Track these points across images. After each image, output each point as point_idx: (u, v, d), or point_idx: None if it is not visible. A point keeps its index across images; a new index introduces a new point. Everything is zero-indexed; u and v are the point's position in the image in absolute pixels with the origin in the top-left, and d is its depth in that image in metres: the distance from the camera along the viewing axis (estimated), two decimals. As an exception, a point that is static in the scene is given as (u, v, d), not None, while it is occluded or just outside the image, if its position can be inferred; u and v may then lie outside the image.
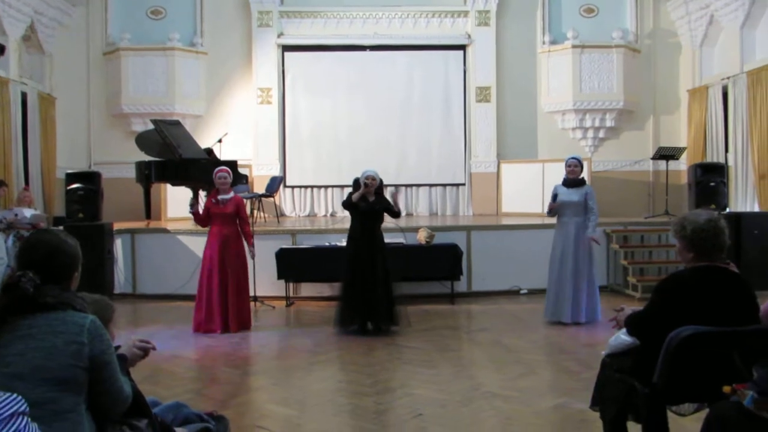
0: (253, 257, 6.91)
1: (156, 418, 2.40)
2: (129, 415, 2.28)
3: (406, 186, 11.76)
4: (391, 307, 6.45)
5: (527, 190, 10.85)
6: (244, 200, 7.06)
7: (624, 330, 3.10)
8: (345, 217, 7.02)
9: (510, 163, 11.35)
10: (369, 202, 6.38)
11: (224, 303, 6.60)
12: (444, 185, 11.78)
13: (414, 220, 10.96)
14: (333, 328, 6.53)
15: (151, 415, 2.37)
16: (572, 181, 6.78)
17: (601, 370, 3.28)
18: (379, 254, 6.37)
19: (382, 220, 6.46)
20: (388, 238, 7.98)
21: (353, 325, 6.44)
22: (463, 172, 11.71)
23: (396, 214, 6.48)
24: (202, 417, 2.68)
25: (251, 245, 6.81)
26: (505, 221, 10.03)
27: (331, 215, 11.46)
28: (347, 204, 6.44)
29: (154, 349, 2.56)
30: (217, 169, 6.79)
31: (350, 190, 6.58)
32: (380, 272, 6.34)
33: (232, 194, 6.78)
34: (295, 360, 5.64)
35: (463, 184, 11.72)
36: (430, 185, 11.77)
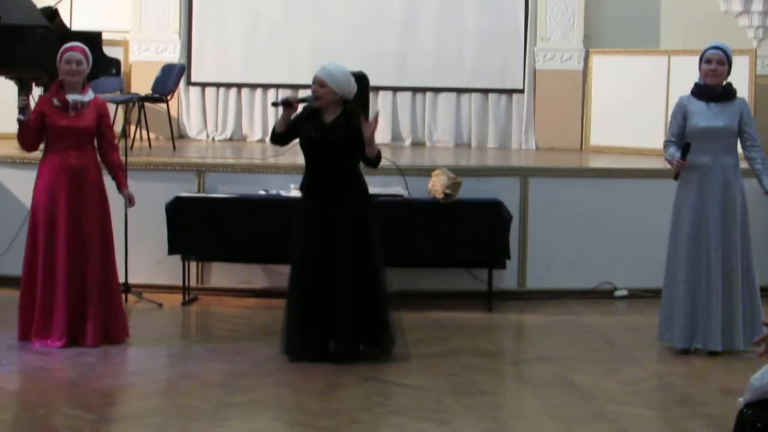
0: (130, 204, 6.94)
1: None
2: None
3: (415, 90, 11.74)
4: (376, 317, 6.51)
5: (638, 105, 10.84)
6: (112, 105, 7.06)
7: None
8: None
9: (608, 55, 11.36)
10: (322, 123, 6.40)
11: (73, 294, 6.64)
12: (485, 92, 11.80)
13: (426, 154, 10.96)
14: (279, 349, 6.54)
15: None
16: (714, 91, 6.76)
17: (737, 428, 3.35)
18: (348, 221, 6.41)
19: (351, 157, 6.45)
20: (376, 187, 8.02)
21: (306, 347, 6.48)
22: (520, 68, 11.71)
23: (371, 159, 6.45)
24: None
25: (124, 187, 6.83)
26: (596, 162, 10.03)
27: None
28: (273, 136, 6.55)
29: None
30: (64, 47, 6.77)
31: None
32: (350, 253, 6.39)
33: (90, 95, 6.76)
34: (195, 400, 5.64)
35: (521, 92, 11.74)
36: (459, 91, 11.79)
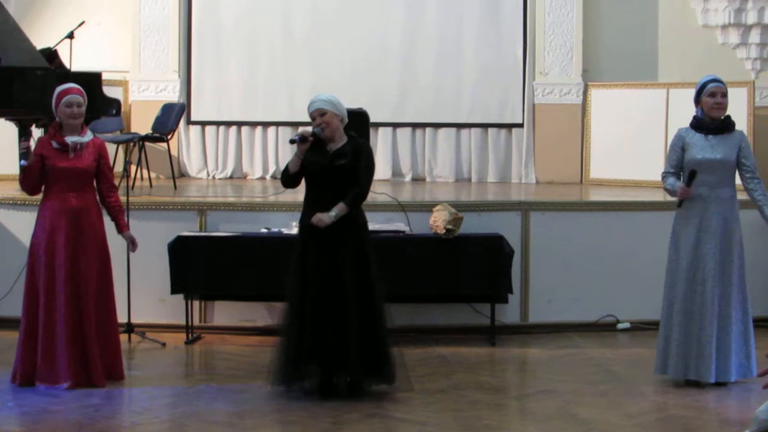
0: (133, 248, 6.97)
1: None
2: None
3: (415, 126, 11.82)
4: (378, 351, 6.51)
5: (637, 138, 10.90)
6: (113, 145, 7.08)
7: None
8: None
9: (607, 89, 11.42)
10: (327, 151, 6.44)
11: (75, 336, 6.64)
12: (484, 126, 11.86)
13: (426, 189, 11.00)
14: (269, 383, 6.59)
15: None
16: (712, 123, 6.81)
17: (746, 464, 3.37)
18: (348, 255, 6.41)
19: (349, 185, 6.40)
20: (378, 223, 8.06)
21: (304, 380, 6.50)
22: (519, 103, 11.78)
23: (355, 197, 6.41)
24: None
25: (124, 229, 6.85)
26: (596, 196, 10.07)
27: (274, 178, 11.54)
28: (285, 178, 6.57)
29: None
30: (60, 90, 6.78)
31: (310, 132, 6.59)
32: (352, 286, 6.39)
33: (89, 135, 6.78)
34: (200, 441, 5.67)
35: (520, 126, 11.80)
36: (458, 126, 11.86)
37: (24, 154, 6.71)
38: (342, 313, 6.35)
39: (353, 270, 6.40)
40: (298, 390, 6.46)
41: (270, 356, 6.70)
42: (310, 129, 6.53)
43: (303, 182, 6.59)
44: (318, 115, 6.39)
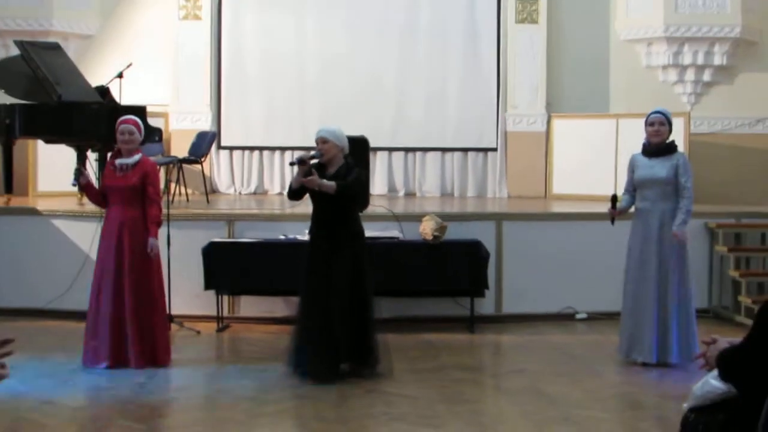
0: (151, 252, 6.69)
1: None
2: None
3: (407, 150, 11.88)
4: (365, 340, 6.54)
5: (592, 160, 10.94)
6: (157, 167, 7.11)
7: (715, 373, 3.22)
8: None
9: (566, 119, 11.45)
10: (326, 175, 6.43)
11: (121, 324, 6.68)
12: (464, 150, 11.90)
13: (417, 203, 11.03)
14: (285, 366, 6.63)
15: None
16: (656, 147, 6.88)
17: (683, 430, 3.41)
18: (347, 261, 6.43)
19: (350, 204, 6.51)
20: (376, 231, 8.12)
21: (315, 365, 6.45)
22: (493, 131, 11.81)
23: (343, 186, 6.33)
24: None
25: (153, 235, 6.68)
26: (558, 208, 10.11)
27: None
28: (289, 193, 6.59)
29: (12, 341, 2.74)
30: (121, 119, 6.84)
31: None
32: (340, 287, 6.39)
33: (137, 158, 6.79)
34: (229, 412, 5.70)
35: (494, 150, 11.83)
36: (443, 150, 11.90)
37: (77, 174, 6.75)
38: (338, 309, 6.37)
39: (349, 272, 6.42)
40: (300, 373, 6.44)
41: (288, 343, 6.72)
42: (312, 152, 6.56)
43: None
44: (321, 142, 6.42)
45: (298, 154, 11.45)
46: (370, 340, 6.56)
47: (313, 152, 6.52)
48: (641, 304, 6.89)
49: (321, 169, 6.47)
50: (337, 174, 6.41)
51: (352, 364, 6.57)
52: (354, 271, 6.46)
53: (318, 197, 6.44)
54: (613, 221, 6.98)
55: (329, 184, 6.30)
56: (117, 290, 6.67)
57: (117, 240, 6.69)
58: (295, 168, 6.49)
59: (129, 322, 6.67)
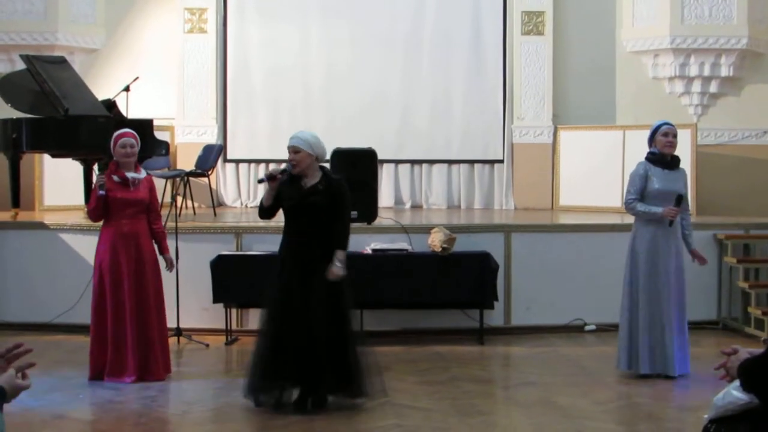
0: (170, 268, 7.02)
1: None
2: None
3: (414, 162, 11.88)
4: (346, 369, 5.99)
5: (599, 172, 10.95)
6: (162, 180, 7.12)
7: (737, 383, 3.21)
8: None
9: (573, 130, 11.46)
10: (301, 188, 5.95)
11: (139, 338, 6.72)
12: (471, 162, 11.90)
13: (424, 215, 11.04)
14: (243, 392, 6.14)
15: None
16: (668, 159, 6.87)
17: (703, 441, 3.39)
18: (317, 280, 5.88)
19: (328, 221, 5.94)
20: (384, 243, 8.12)
21: (268, 393, 6.05)
22: (500, 143, 11.81)
23: (344, 239, 5.99)
24: None
25: (166, 252, 6.90)
26: (565, 219, 10.11)
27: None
28: (261, 210, 6.19)
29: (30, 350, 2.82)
30: (116, 133, 6.83)
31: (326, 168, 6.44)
32: (324, 307, 5.89)
33: (144, 172, 6.89)
34: (240, 425, 5.71)
35: (501, 162, 11.83)
36: (450, 162, 11.90)
37: (102, 185, 6.73)
38: (313, 332, 5.86)
39: (326, 291, 5.92)
40: (266, 403, 6.02)
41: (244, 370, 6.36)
42: (282, 166, 6.20)
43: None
44: (292, 152, 5.89)
45: (272, 167, 11.53)
46: (353, 369, 6.01)
47: (283, 165, 6.16)
48: (656, 316, 6.82)
49: (295, 181, 5.96)
50: (315, 190, 5.90)
51: (333, 394, 6.08)
52: (336, 293, 5.97)
53: (290, 211, 6.01)
54: (671, 223, 6.78)
55: (341, 260, 5.92)
56: (137, 304, 6.71)
57: (129, 253, 6.73)
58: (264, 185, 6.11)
59: (152, 336, 6.76)
